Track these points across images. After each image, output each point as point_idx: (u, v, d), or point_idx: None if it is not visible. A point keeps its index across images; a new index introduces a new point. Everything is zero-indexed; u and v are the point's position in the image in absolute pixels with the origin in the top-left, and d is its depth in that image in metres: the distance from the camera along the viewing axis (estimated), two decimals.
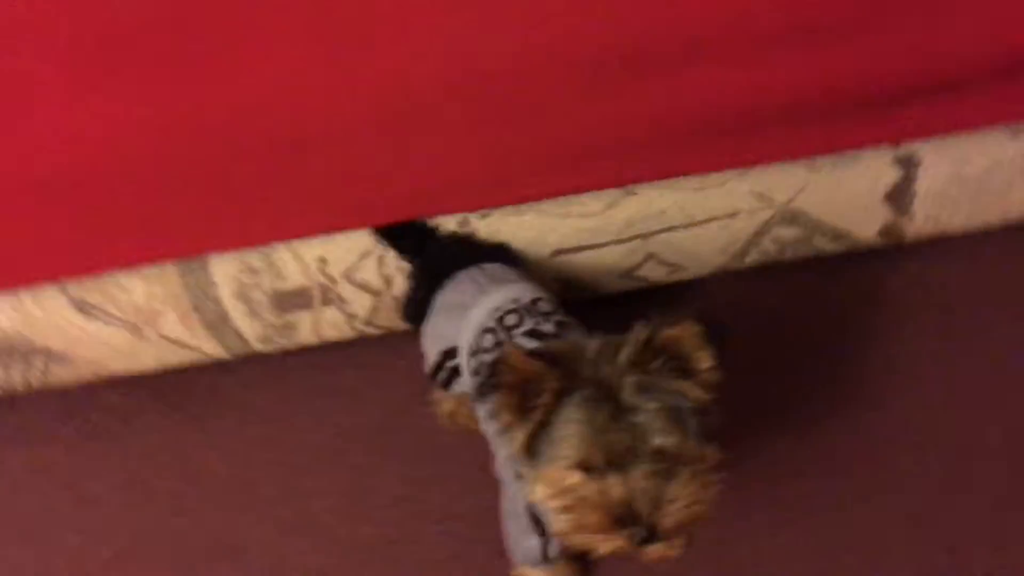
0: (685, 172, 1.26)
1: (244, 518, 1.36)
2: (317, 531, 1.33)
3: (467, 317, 1.17)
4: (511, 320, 1.14)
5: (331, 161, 1.18)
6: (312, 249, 1.30)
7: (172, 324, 1.36)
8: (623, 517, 0.90)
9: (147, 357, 1.42)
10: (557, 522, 0.94)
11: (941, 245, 1.46)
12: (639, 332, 0.94)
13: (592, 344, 0.95)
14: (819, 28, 1.12)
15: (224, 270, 1.31)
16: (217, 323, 1.37)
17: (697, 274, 1.44)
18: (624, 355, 0.93)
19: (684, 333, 0.92)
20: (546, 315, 1.15)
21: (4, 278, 1.27)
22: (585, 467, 0.91)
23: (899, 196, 1.34)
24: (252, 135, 1.14)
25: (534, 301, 1.16)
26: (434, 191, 1.23)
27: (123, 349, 1.39)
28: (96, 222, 1.21)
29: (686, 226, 1.33)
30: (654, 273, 1.41)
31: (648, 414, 0.90)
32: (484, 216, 1.29)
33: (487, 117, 1.16)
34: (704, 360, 0.94)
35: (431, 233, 1.30)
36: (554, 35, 1.09)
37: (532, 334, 1.12)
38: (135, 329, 1.36)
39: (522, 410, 0.93)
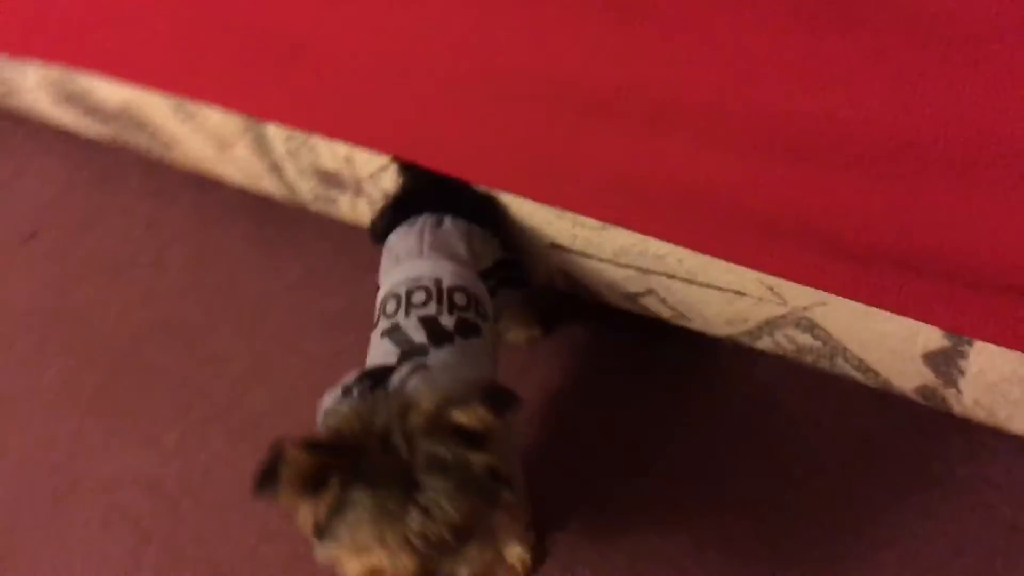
0: (684, 244, 1.11)
1: None
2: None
3: (390, 272, 1.17)
4: (418, 298, 1.13)
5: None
6: (346, 147, 1.34)
7: (243, 154, 1.49)
8: None
9: (233, 171, 1.58)
10: None
11: (1005, 436, 1.16)
12: (427, 405, 0.91)
13: (381, 410, 0.92)
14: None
15: (276, 132, 1.40)
16: (275, 169, 1.48)
17: (705, 331, 1.28)
18: (415, 422, 0.90)
19: (472, 418, 0.89)
20: (456, 308, 1.12)
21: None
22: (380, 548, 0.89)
23: (942, 363, 1.07)
24: None
25: (453, 289, 1.13)
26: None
27: (212, 157, 1.56)
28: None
29: (686, 281, 1.18)
30: (658, 309, 1.28)
31: (436, 495, 0.88)
32: None
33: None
34: (494, 435, 0.90)
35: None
36: None
37: (425, 322, 1.10)
38: (219, 146, 1.52)
39: (308, 492, 0.89)
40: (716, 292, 1.17)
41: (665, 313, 1.28)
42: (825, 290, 1.06)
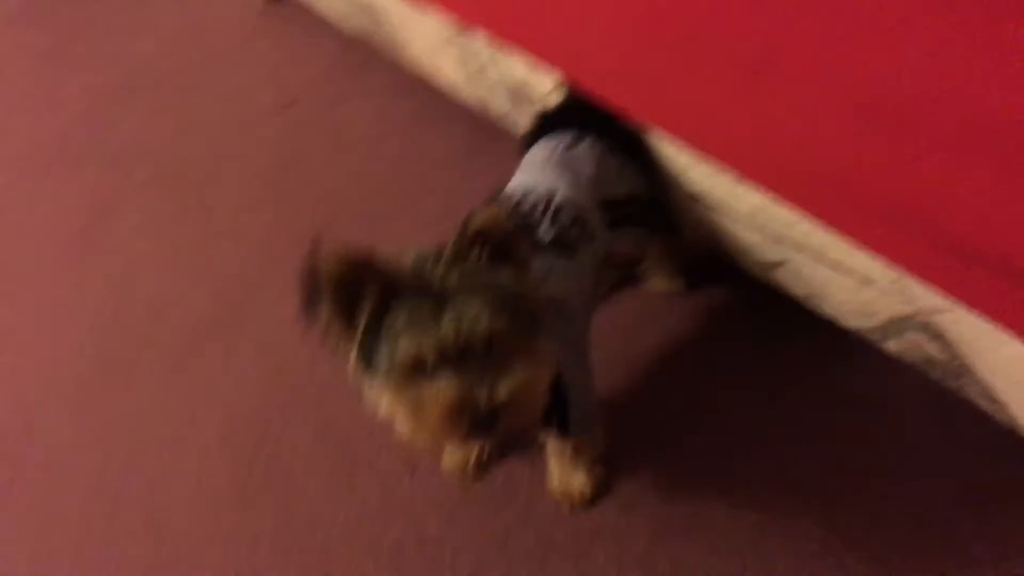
0: (821, 218, 1.03)
1: None
2: None
3: (516, 177, 1.22)
4: (527, 206, 1.15)
5: None
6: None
7: (452, 61, 1.59)
8: (461, 410, 0.92)
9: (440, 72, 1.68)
10: (401, 427, 0.97)
11: None
12: (457, 229, 0.94)
13: (411, 253, 0.97)
14: None
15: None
16: (475, 80, 1.56)
17: (835, 320, 1.19)
18: (446, 252, 0.94)
19: (490, 219, 0.93)
20: (558, 223, 1.14)
21: None
22: (418, 368, 0.93)
23: None
24: None
25: (563, 205, 1.15)
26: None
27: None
28: None
29: (816, 259, 1.10)
30: (792, 284, 1.20)
31: (474, 305, 0.92)
32: None
33: None
34: (515, 245, 0.95)
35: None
36: None
37: (524, 229, 1.13)
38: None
39: (349, 320, 0.93)
40: (844, 278, 1.08)
41: (799, 290, 1.20)
42: (943, 291, 0.95)
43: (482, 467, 1.29)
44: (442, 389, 0.92)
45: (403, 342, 0.91)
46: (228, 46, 2.27)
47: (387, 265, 0.93)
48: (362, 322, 0.92)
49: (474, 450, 1.28)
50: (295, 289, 0.93)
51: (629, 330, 1.41)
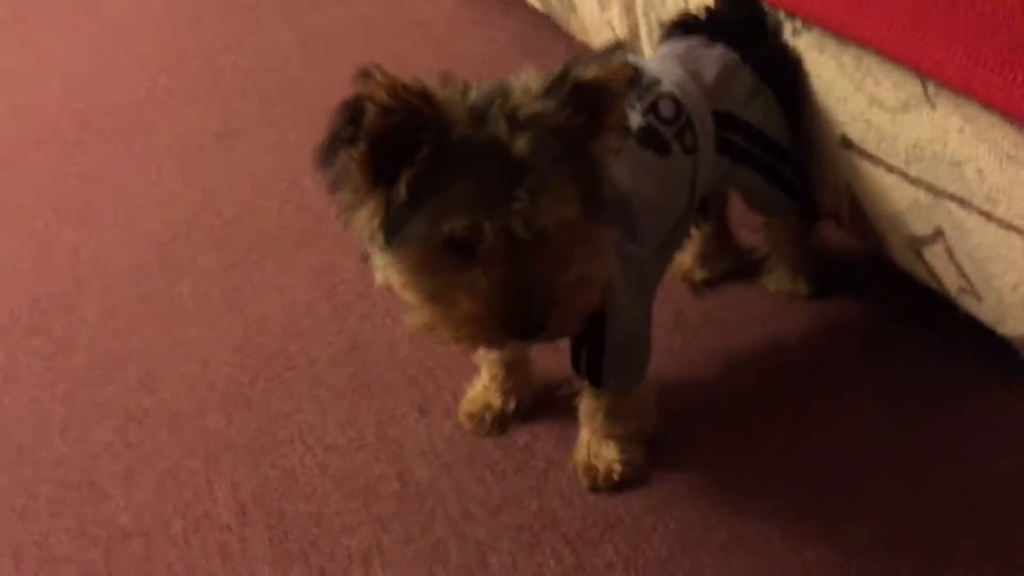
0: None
1: None
2: None
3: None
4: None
5: None
6: None
7: (615, 16, 1.42)
8: (507, 309, 0.74)
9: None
10: (413, 313, 0.78)
11: None
12: (545, 75, 0.75)
13: (474, 88, 0.76)
14: None
15: None
16: (634, 32, 1.38)
17: (995, 323, 0.87)
18: (521, 100, 0.74)
19: (614, 74, 0.73)
20: (653, 113, 0.92)
21: None
22: (461, 243, 0.74)
23: None
24: None
25: (665, 96, 0.94)
26: None
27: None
28: None
29: (982, 214, 0.82)
30: (942, 271, 0.91)
31: (552, 188, 0.73)
32: (799, 31, 0.99)
33: None
34: (620, 112, 0.76)
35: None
36: None
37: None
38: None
39: (381, 172, 0.73)
40: (1018, 238, 0.79)
41: (951, 280, 0.91)
42: None
43: (503, 421, 1.04)
44: (488, 279, 0.73)
45: (457, 215, 0.72)
46: (419, 22, 2.23)
47: (447, 107, 0.73)
48: (405, 178, 0.72)
49: (499, 399, 1.04)
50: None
51: (727, 323, 1.15)
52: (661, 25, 1.13)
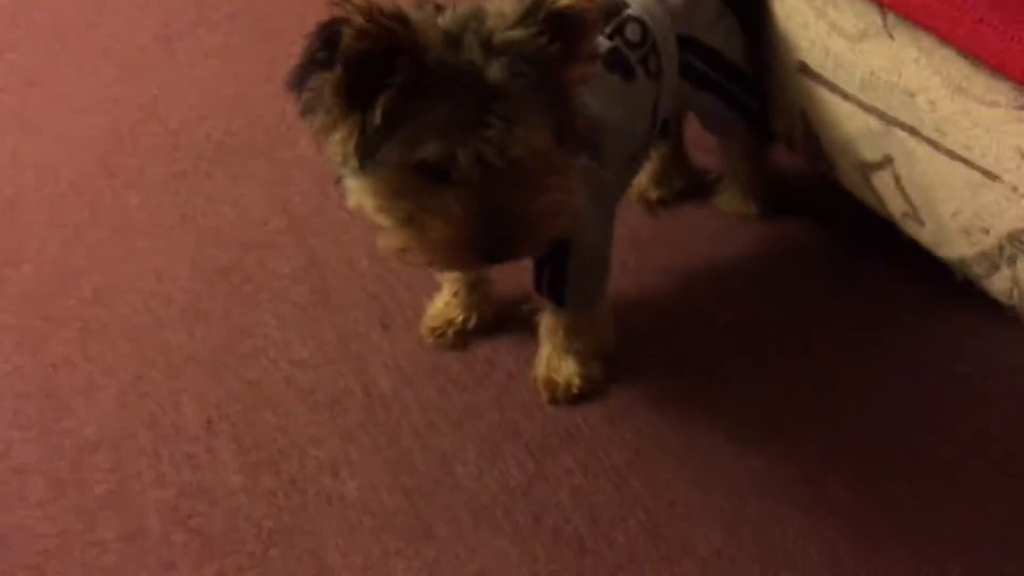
0: (961, 45, 0.79)
1: None
2: None
3: None
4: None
5: None
6: None
7: None
8: (476, 233, 0.76)
9: None
10: (386, 236, 0.81)
11: None
12: (520, 3, 0.76)
13: (448, 14, 0.77)
14: None
15: None
16: None
17: (934, 246, 0.93)
18: (494, 25, 0.75)
19: (588, 3, 0.75)
20: (619, 35, 0.94)
21: None
22: (435, 168, 0.75)
23: None
24: None
25: (632, 19, 0.95)
26: None
27: None
28: None
29: (931, 143, 0.86)
30: (888, 196, 0.96)
31: (525, 118, 0.74)
32: None
33: None
34: (590, 42, 0.78)
35: None
36: None
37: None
38: None
39: (354, 96, 0.74)
40: (962, 167, 0.84)
41: (896, 205, 0.95)
42: None
43: (464, 335, 1.07)
44: (462, 204, 0.75)
45: (431, 141, 0.73)
46: None
47: (422, 31, 0.73)
48: (380, 102, 0.73)
49: (460, 314, 1.07)
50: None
51: (680, 241, 1.18)
52: None
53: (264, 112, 1.53)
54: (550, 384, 0.99)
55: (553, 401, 0.99)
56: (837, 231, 1.16)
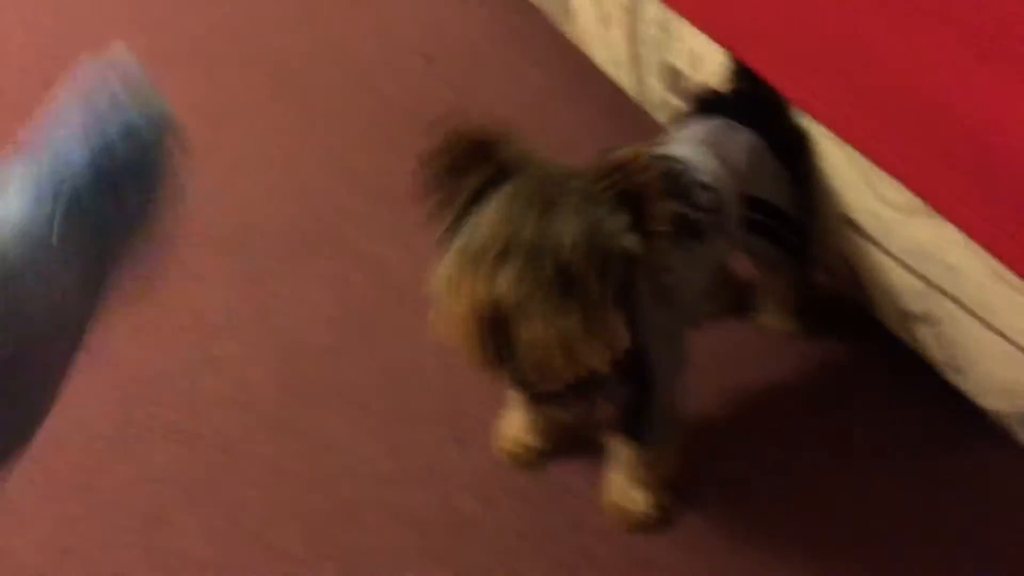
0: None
1: None
2: None
3: (661, 146, 1.11)
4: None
5: None
6: (701, 44, 1.26)
7: (617, 35, 1.49)
8: (491, 324, 0.83)
9: (604, 55, 1.58)
10: (439, 316, 0.88)
11: None
12: (599, 161, 0.85)
13: (542, 161, 0.88)
14: None
15: (652, 13, 1.36)
16: (634, 59, 1.45)
17: (974, 395, 1.04)
18: (575, 175, 0.85)
19: (635, 156, 0.84)
20: (691, 203, 1.02)
21: None
22: (477, 254, 0.83)
23: None
24: None
25: (702, 185, 1.04)
26: None
27: (594, 34, 1.58)
28: None
29: (970, 314, 0.96)
30: (929, 345, 1.06)
31: (572, 224, 0.82)
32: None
33: None
34: (660, 220, 0.85)
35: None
36: None
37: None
38: (604, 21, 1.52)
39: (451, 190, 0.87)
40: (1000, 341, 0.94)
41: (936, 354, 1.06)
42: None
43: (535, 455, 1.17)
44: (484, 289, 0.82)
45: (485, 224, 0.83)
46: None
47: (514, 152, 0.86)
48: (464, 194, 0.85)
49: (530, 436, 1.17)
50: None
51: (730, 360, 1.28)
52: (667, 76, 1.21)
53: (322, 205, 1.61)
54: (623, 512, 1.09)
55: (626, 528, 1.09)
56: (884, 351, 1.24)
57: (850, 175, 1.06)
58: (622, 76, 1.54)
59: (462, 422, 1.23)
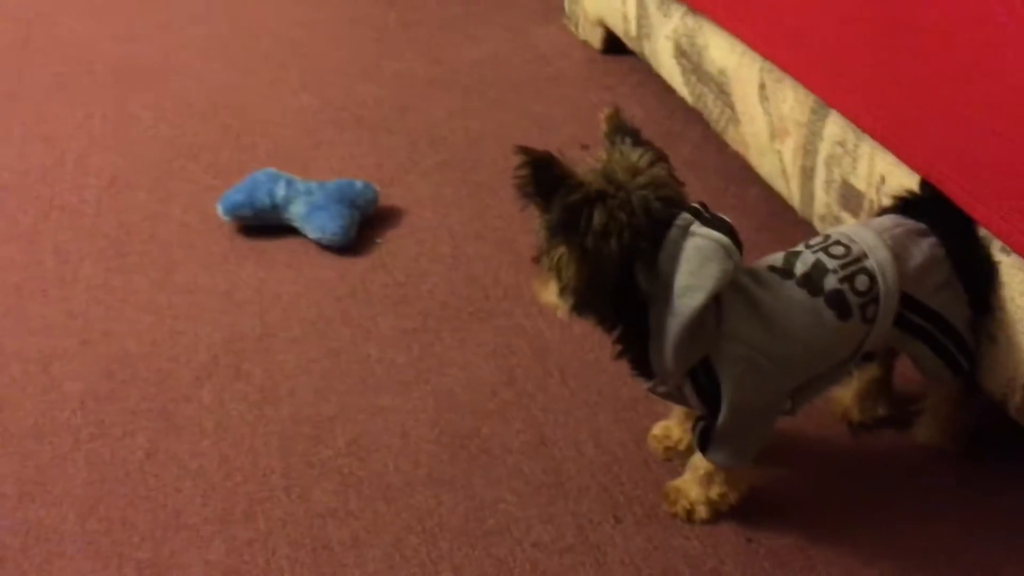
0: None
1: None
2: None
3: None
4: (836, 250, 1.15)
5: None
6: (886, 165, 1.32)
7: (790, 147, 1.56)
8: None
9: (768, 167, 1.65)
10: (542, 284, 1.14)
11: None
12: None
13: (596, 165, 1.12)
14: None
15: (832, 131, 1.43)
16: (807, 173, 1.52)
17: None
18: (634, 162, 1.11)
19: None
20: (848, 281, 1.13)
21: None
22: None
23: None
24: None
25: (865, 271, 1.13)
26: None
27: (760, 145, 1.65)
28: None
29: None
30: None
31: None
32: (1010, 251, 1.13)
33: None
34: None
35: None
36: None
37: (816, 265, 1.14)
38: (774, 133, 1.60)
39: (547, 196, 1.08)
40: None
41: None
42: None
43: (676, 454, 1.31)
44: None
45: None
46: (552, 77, 2.35)
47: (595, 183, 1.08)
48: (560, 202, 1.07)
49: (680, 435, 1.30)
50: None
51: (873, 466, 1.30)
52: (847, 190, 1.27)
53: (480, 274, 1.70)
54: (676, 502, 1.23)
55: (672, 514, 1.24)
56: None
57: None
58: (789, 190, 1.60)
59: (618, 499, 1.26)
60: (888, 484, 1.29)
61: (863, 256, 1.13)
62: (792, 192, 1.59)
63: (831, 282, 1.12)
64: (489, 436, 1.38)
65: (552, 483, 1.30)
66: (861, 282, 1.12)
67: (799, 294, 1.12)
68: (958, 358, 1.19)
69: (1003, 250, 1.14)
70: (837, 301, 1.12)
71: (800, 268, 1.14)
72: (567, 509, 1.26)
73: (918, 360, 1.22)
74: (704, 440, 1.16)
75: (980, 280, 1.17)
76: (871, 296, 1.12)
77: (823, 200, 1.50)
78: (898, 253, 1.14)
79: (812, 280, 1.13)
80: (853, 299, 1.12)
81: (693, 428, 1.19)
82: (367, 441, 1.37)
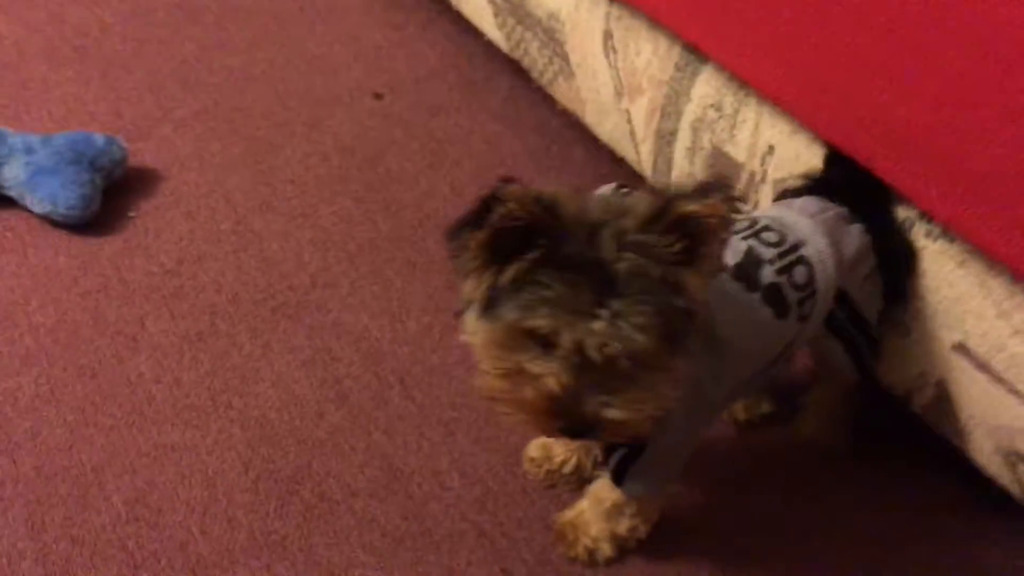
0: None
1: None
2: None
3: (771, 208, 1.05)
4: (769, 236, 0.98)
5: None
6: (776, 134, 1.17)
7: (638, 108, 1.36)
8: (559, 410, 0.81)
9: (610, 129, 1.46)
10: (485, 378, 0.84)
11: None
12: (652, 202, 0.79)
13: (596, 203, 0.82)
14: None
15: (703, 91, 1.26)
16: (664, 137, 1.34)
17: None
18: (629, 224, 0.79)
19: (711, 212, 0.78)
20: (786, 274, 0.95)
21: None
22: (542, 338, 0.80)
23: None
24: None
25: (803, 262, 0.97)
26: None
27: (600, 105, 1.44)
28: None
29: None
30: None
31: (632, 305, 0.78)
32: (936, 236, 1.02)
33: None
34: (717, 247, 0.80)
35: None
36: None
37: (748, 255, 0.96)
38: (619, 95, 1.40)
39: (494, 255, 0.80)
40: None
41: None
42: None
43: (557, 477, 1.10)
44: (556, 379, 0.80)
45: (543, 313, 0.78)
46: (324, 9, 1.97)
47: (568, 222, 0.79)
48: (513, 268, 0.79)
49: (560, 453, 1.10)
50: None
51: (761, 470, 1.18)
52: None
53: (278, 257, 1.36)
54: (572, 543, 1.03)
55: (569, 557, 1.03)
56: (938, 481, 1.17)
57: (977, 303, 0.98)
58: (633, 150, 1.41)
59: (501, 546, 1.03)
60: (787, 484, 1.16)
61: (800, 244, 0.97)
62: (642, 157, 1.40)
63: (767, 275, 0.95)
64: (323, 475, 1.07)
65: (416, 532, 1.03)
66: (800, 274, 0.96)
67: (734, 288, 0.94)
68: (863, 354, 1.08)
69: (928, 235, 1.03)
70: (774, 297, 0.95)
71: (731, 258, 0.95)
72: (441, 565, 1.01)
73: (826, 357, 1.10)
74: (621, 471, 0.95)
75: (900, 269, 1.05)
76: (808, 291, 0.97)
77: (684, 169, 1.32)
78: (836, 242, 0.99)
79: (747, 272, 0.94)
80: (791, 294, 0.95)
81: (604, 456, 0.97)
82: (155, 498, 1.02)
